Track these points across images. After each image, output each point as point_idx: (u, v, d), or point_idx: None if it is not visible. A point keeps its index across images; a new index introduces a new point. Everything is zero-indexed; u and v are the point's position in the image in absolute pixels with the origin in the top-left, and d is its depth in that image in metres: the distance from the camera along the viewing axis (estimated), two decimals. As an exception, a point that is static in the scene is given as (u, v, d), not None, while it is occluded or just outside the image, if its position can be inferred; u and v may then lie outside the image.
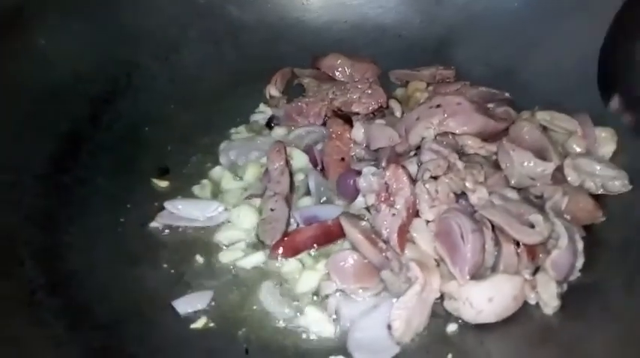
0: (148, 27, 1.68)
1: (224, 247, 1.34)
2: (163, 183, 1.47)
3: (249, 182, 1.46)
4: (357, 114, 1.55)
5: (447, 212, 1.19)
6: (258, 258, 1.30)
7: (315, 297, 1.24)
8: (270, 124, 1.61)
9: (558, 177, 1.29)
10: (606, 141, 1.35)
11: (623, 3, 1.37)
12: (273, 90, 1.68)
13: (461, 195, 1.24)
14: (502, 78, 1.59)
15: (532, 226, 1.18)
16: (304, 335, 1.19)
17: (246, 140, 1.57)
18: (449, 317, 1.19)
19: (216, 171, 1.50)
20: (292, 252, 1.29)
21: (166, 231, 1.37)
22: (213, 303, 1.24)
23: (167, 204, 1.39)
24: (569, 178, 1.29)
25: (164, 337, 1.19)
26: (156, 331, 1.20)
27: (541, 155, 1.29)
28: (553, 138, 1.35)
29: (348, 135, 1.47)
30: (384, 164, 1.34)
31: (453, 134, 1.33)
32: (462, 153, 1.30)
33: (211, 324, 1.21)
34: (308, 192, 1.42)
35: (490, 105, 1.45)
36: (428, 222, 1.21)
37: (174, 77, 1.70)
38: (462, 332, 1.17)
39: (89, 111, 1.56)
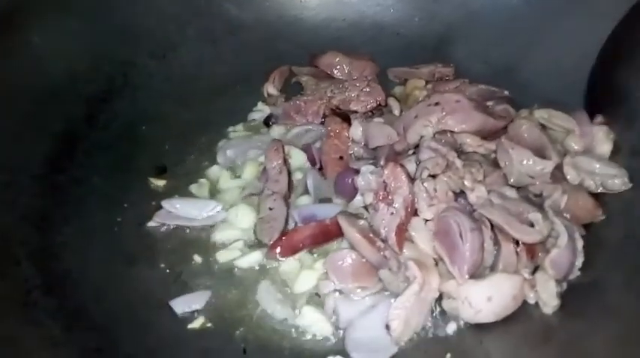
0: (145, 25, 1.68)
1: (222, 246, 1.34)
2: (160, 182, 1.47)
3: (247, 181, 1.45)
4: (356, 112, 1.54)
5: (446, 211, 1.19)
6: (256, 257, 1.30)
7: (313, 297, 1.24)
8: (268, 123, 1.60)
9: (558, 175, 1.28)
10: (602, 141, 1.34)
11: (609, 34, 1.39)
12: (271, 89, 1.68)
13: (460, 194, 1.23)
14: (501, 75, 1.59)
15: (531, 225, 1.18)
16: (302, 335, 1.19)
17: (244, 139, 1.56)
18: (448, 316, 1.18)
19: (214, 170, 1.49)
20: (290, 251, 1.28)
21: (163, 230, 1.37)
22: (210, 303, 1.24)
23: (164, 203, 1.39)
24: (568, 177, 1.28)
25: (161, 337, 1.19)
26: (153, 331, 1.19)
27: (540, 153, 1.28)
28: (552, 137, 1.35)
29: (347, 134, 1.46)
30: (382, 162, 1.33)
31: (452, 132, 1.32)
32: (460, 152, 1.30)
33: (209, 324, 1.21)
34: (306, 191, 1.41)
35: (489, 103, 1.44)
36: (426, 220, 1.21)
37: (172, 76, 1.69)
38: (460, 331, 1.17)
39: (85, 110, 1.55)
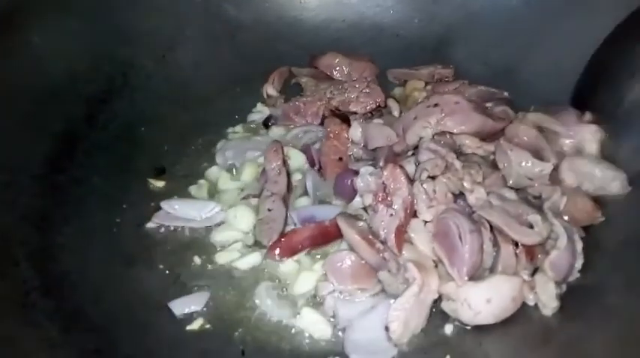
0: (145, 26, 1.67)
1: (221, 248, 1.33)
2: (159, 183, 1.47)
3: (246, 182, 1.45)
4: (355, 113, 1.54)
5: (445, 212, 1.19)
6: (254, 258, 1.30)
7: (312, 298, 1.23)
8: (267, 124, 1.60)
9: (556, 177, 1.28)
10: (590, 140, 1.32)
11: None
12: (270, 90, 1.67)
13: (459, 196, 1.23)
14: (501, 77, 1.58)
15: (531, 226, 1.17)
16: (301, 337, 1.19)
17: (243, 140, 1.56)
18: (447, 318, 1.18)
19: (213, 171, 1.49)
20: (289, 252, 1.28)
21: (162, 231, 1.37)
22: (209, 304, 1.23)
23: (163, 204, 1.39)
24: (566, 180, 1.28)
25: (159, 339, 1.18)
26: (151, 332, 1.19)
27: (538, 155, 1.28)
28: (549, 138, 1.34)
29: (346, 135, 1.46)
30: (381, 164, 1.33)
31: (451, 133, 1.32)
32: (459, 153, 1.29)
33: (207, 326, 1.21)
34: (305, 192, 1.41)
35: (489, 105, 1.44)
36: (426, 222, 1.20)
37: (171, 76, 1.69)
38: (460, 333, 1.17)
39: (85, 110, 1.55)
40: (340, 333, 1.18)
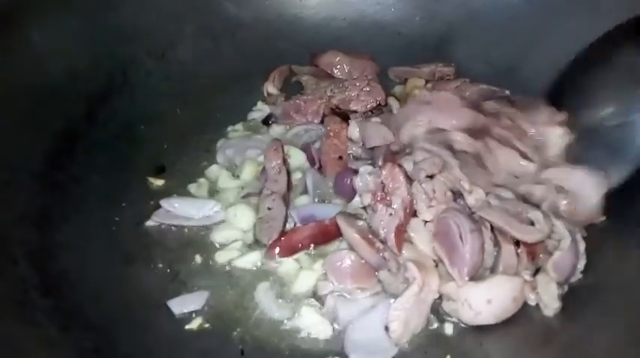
0: (144, 24, 1.66)
1: (220, 246, 1.33)
2: (159, 182, 1.46)
3: (246, 180, 1.44)
4: (356, 111, 1.53)
5: (446, 212, 1.18)
6: (254, 257, 1.29)
7: (311, 298, 1.23)
8: (267, 122, 1.59)
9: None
10: (555, 143, 1.31)
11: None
12: (270, 88, 1.67)
13: (460, 195, 1.22)
14: (502, 75, 1.58)
15: (531, 224, 1.17)
16: (301, 337, 1.18)
17: (243, 138, 1.55)
18: (447, 317, 1.18)
19: (213, 170, 1.48)
20: (289, 251, 1.28)
21: (162, 229, 1.36)
22: (208, 304, 1.23)
23: (163, 203, 1.38)
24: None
25: (158, 338, 1.18)
26: (150, 331, 1.19)
27: (524, 154, 1.27)
28: (519, 134, 1.33)
29: (346, 134, 1.46)
30: (380, 163, 1.32)
31: (443, 130, 1.30)
32: (454, 150, 1.28)
33: (206, 325, 1.20)
34: (306, 191, 1.40)
35: (490, 102, 1.43)
36: (426, 222, 1.20)
37: (171, 74, 1.68)
38: (460, 333, 1.17)
39: (85, 108, 1.54)
40: (340, 332, 1.17)
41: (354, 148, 1.44)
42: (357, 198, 1.31)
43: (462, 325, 1.17)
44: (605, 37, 1.37)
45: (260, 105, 1.65)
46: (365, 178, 1.26)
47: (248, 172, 1.45)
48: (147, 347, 1.15)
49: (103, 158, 1.48)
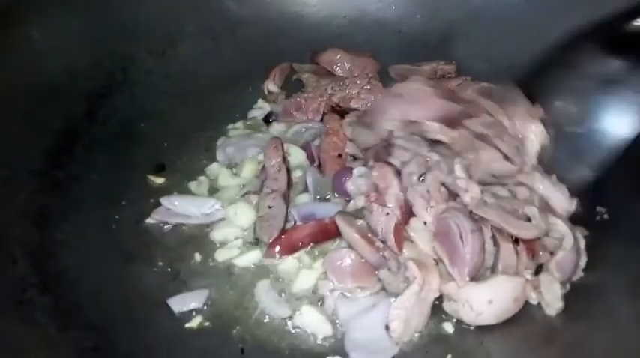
0: (145, 21, 1.66)
1: (220, 245, 1.33)
2: (159, 180, 1.46)
3: (246, 179, 1.44)
4: (356, 109, 1.53)
5: (446, 212, 1.17)
6: (254, 256, 1.29)
7: (312, 296, 1.23)
8: (268, 120, 1.59)
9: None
10: (532, 140, 1.27)
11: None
12: (271, 86, 1.66)
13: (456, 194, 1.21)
14: (503, 73, 1.57)
15: (528, 220, 1.16)
16: (301, 335, 1.18)
17: (243, 136, 1.55)
18: (448, 316, 1.17)
19: (213, 168, 1.48)
20: (289, 250, 1.27)
21: (162, 227, 1.36)
22: (208, 302, 1.23)
23: (163, 200, 1.38)
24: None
25: (158, 336, 1.18)
26: (150, 330, 1.18)
27: (507, 156, 1.26)
28: (496, 129, 1.30)
29: (346, 132, 1.45)
30: (371, 163, 1.31)
31: (416, 122, 1.28)
32: (429, 142, 1.26)
33: (206, 323, 1.20)
34: (306, 189, 1.40)
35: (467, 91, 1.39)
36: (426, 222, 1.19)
37: (171, 72, 1.68)
38: (461, 332, 1.16)
39: (84, 106, 1.53)
40: (340, 331, 1.17)
41: (352, 147, 1.43)
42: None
43: (463, 324, 1.16)
44: (570, 41, 1.36)
45: (260, 103, 1.64)
46: (356, 181, 1.25)
47: (248, 170, 1.44)
48: (147, 346, 1.15)
49: (102, 156, 1.48)
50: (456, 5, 1.74)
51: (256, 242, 1.31)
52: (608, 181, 1.29)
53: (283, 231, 1.29)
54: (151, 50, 1.68)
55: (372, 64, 1.68)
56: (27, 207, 1.31)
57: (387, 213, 1.18)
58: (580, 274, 1.18)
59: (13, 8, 1.46)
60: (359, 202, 1.25)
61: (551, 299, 1.14)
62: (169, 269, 1.29)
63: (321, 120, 1.54)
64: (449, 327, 1.16)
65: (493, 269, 1.16)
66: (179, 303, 1.22)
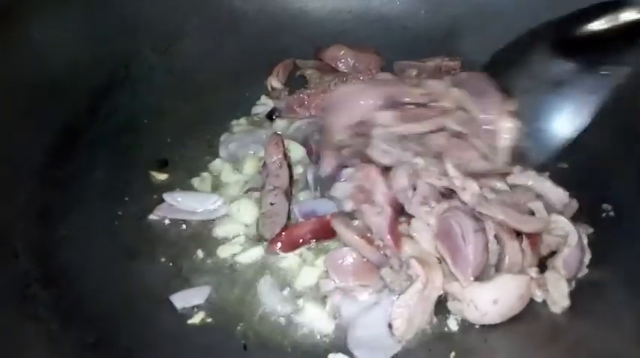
0: (147, 17, 1.65)
1: (223, 241, 1.32)
2: (162, 176, 1.45)
3: (249, 175, 1.44)
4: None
5: (448, 211, 1.16)
6: (257, 252, 1.28)
7: (314, 293, 1.22)
8: (271, 116, 1.58)
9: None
10: (503, 136, 1.24)
11: None
12: (274, 82, 1.66)
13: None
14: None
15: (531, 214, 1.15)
16: (303, 332, 1.17)
17: (246, 132, 1.54)
18: (451, 313, 1.16)
19: (216, 164, 1.47)
20: (290, 246, 1.27)
21: (164, 223, 1.35)
22: (211, 298, 1.22)
23: (166, 196, 1.37)
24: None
25: (160, 332, 1.17)
26: (152, 326, 1.18)
27: (484, 155, 1.24)
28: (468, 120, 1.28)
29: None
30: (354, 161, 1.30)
31: (366, 121, 1.26)
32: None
33: (209, 320, 1.20)
34: (307, 186, 1.39)
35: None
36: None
37: (174, 68, 1.67)
38: (465, 329, 1.15)
39: (86, 103, 1.53)
40: (343, 329, 1.16)
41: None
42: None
43: (467, 321, 1.15)
44: (522, 41, 1.36)
45: (264, 99, 1.64)
46: (341, 186, 1.25)
47: (250, 167, 1.44)
48: (148, 342, 1.15)
49: (105, 152, 1.47)
50: (460, 1, 1.73)
51: (259, 238, 1.30)
52: (614, 178, 1.28)
53: (285, 228, 1.29)
54: (154, 46, 1.68)
55: (376, 60, 1.67)
56: (29, 203, 1.31)
57: (379, 212, 1.17)
58: (585, 271, 1.16)
59: (14, 4, 1.45)
60: (347, 206, 1.25)
61: (559, 296, 1.13)
62: (172, 266, 1.28)
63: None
64: (453, 324, 1.16)
65: (498, 267, 1.15)
66: (181, 300, 1.21)
